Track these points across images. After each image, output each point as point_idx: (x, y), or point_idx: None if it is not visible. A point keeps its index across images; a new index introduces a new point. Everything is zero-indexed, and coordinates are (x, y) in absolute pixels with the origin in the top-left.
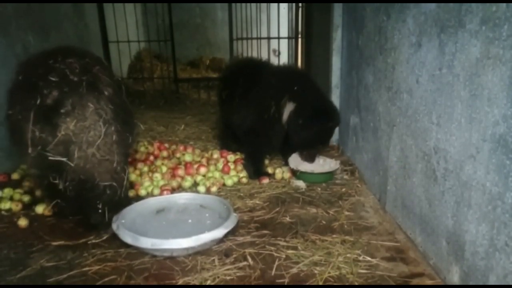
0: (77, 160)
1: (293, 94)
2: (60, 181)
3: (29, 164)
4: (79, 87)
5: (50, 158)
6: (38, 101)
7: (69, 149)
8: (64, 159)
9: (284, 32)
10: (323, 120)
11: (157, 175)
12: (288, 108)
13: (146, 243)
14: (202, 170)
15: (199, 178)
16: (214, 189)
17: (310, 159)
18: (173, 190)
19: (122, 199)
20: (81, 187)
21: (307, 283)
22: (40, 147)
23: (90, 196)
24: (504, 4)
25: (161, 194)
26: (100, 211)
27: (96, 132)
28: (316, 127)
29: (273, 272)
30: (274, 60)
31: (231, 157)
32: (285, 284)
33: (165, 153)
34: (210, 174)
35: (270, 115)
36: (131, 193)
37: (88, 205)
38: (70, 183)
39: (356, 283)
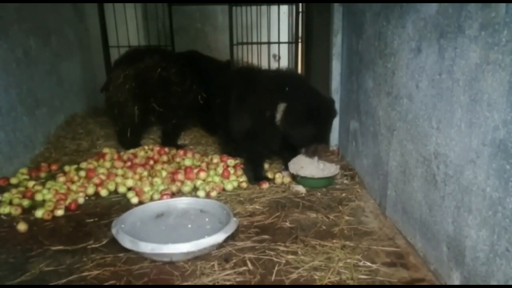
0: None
1: (285, 95)
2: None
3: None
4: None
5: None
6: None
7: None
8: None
9: (284, 37)
10: (316, 115)
11: (157, 180)
12: (281, 108)
13: (146, 247)
14: (202, 174)
15: (199, 182)
16: (214, 193)
17: (312, 154)
18: (173, 195)
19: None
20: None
21: None
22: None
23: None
24: (503, 10)
25: (161, 198)
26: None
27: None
28: (310, 122)
29: (273, 277)
30: (274, 65)
31: (231, 161)
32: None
33: (165, 158)
34: (210, 179)
35: (266, 119)
36: (134, 200)
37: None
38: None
39: None
